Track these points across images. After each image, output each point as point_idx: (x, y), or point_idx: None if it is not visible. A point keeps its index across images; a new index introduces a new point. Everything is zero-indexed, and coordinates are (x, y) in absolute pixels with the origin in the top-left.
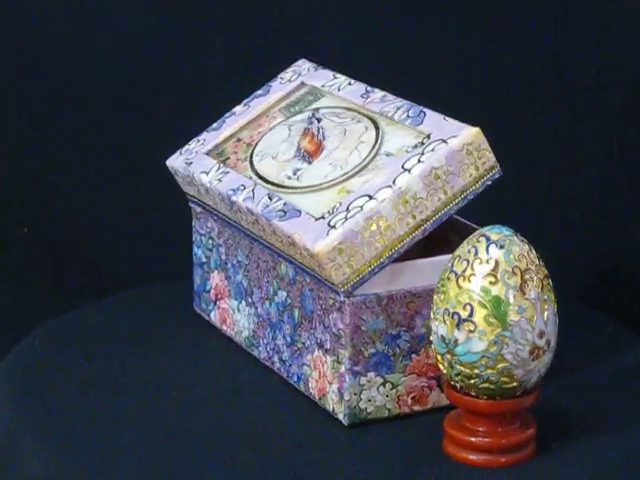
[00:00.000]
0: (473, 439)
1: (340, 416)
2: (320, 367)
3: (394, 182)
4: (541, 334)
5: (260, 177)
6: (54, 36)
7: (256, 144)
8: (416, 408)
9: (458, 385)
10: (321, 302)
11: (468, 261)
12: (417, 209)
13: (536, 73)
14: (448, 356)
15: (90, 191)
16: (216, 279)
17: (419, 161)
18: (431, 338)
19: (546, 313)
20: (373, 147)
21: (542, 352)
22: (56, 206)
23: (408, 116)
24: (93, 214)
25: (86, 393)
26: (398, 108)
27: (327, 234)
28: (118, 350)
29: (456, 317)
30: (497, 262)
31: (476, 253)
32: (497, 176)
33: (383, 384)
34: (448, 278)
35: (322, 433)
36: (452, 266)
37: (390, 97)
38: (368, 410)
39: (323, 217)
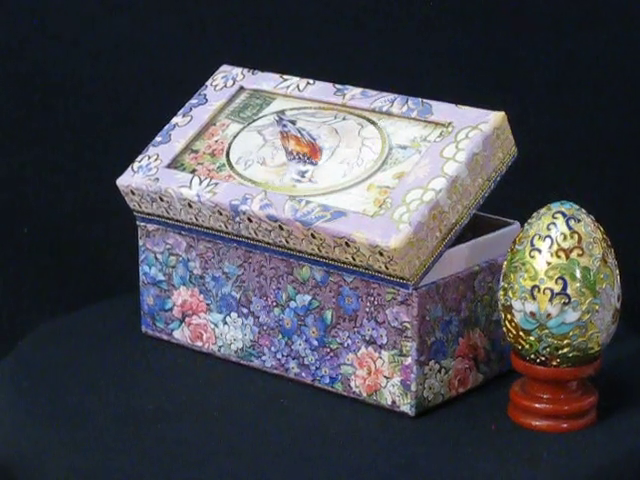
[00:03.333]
0: (537, 405)
1: (405, 408)
2: (370, 364)
3: (443, 171)
4: (619, 298)
5: (257, 184)
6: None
7: (227, 153)
8: (461, 390)
9: (540, 358)
10: (370, 299)
11: (551, 237)
12: (464, 195)
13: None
14: (538, 331)
15: (90, 191)
16: (183, 295)
17: (458, 148)
18: (509, 317)
19: (618, 278)
20: (384, 142)
21: (618, 314)
22: (56, 206)
23: (410, 108)
24: (92, 214)
25: (124, 421)
26: (392, 102)
27: (398, 229)
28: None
29: (548, 292)
30: (579, 235)
31: (557, 229)
32: (514, 158)
33: (439, 370)
34: (531, 256)
35: (386, 427)
36: (533, 244)
37: (372, 92)
38: (429, 398)
39: (378, 214)
